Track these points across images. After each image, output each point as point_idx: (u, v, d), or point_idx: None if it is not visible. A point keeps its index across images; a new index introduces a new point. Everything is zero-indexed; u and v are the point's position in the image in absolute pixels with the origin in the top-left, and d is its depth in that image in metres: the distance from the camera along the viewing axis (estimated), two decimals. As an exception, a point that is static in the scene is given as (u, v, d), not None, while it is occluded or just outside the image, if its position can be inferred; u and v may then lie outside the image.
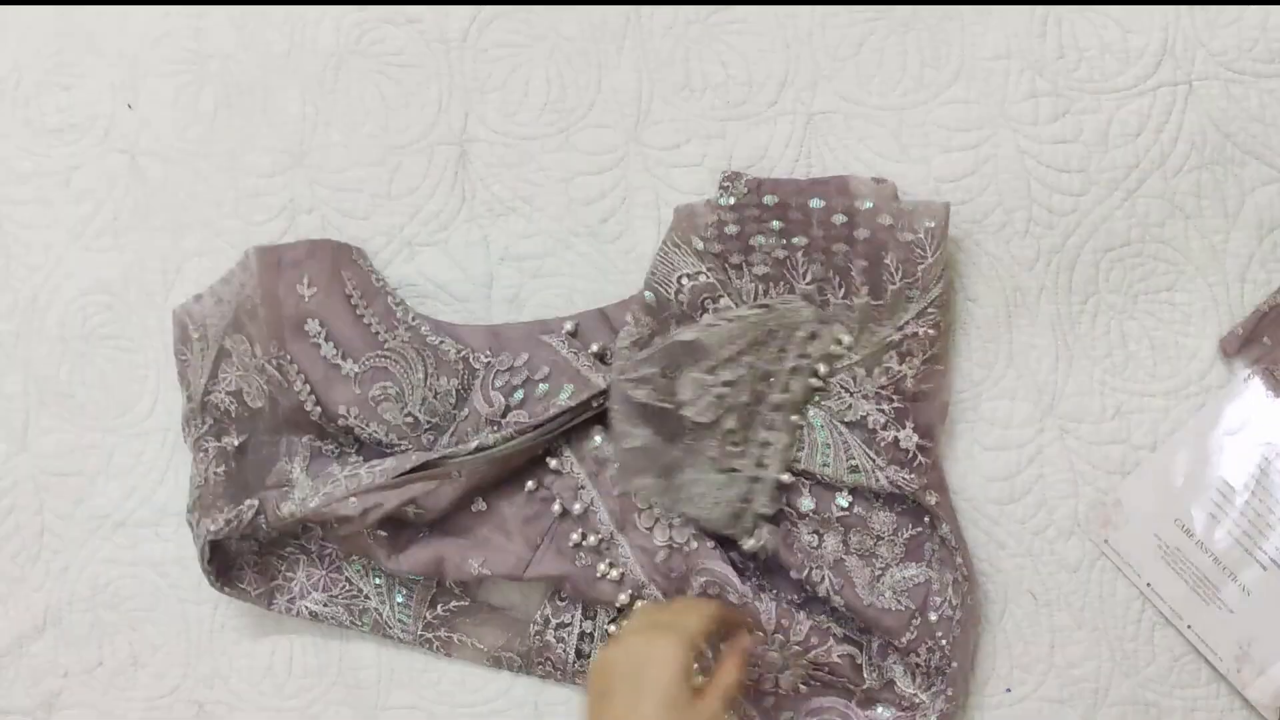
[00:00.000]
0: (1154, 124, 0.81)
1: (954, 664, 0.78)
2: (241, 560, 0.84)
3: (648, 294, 0.79)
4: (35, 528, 0.89)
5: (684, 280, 0.79)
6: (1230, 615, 0.80)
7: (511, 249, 0.86)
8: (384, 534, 0.80)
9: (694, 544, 0.79)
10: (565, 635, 0.83)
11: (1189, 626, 0.80)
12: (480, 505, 0.81)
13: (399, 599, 0.84)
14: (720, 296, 0.79)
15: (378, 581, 0.84)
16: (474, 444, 0.78)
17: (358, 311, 0.83)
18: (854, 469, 0.78)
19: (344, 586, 0.84)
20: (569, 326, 0.84)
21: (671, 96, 0.84)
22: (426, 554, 0.81)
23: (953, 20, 0.82)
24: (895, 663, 0.79)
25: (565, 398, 0.79)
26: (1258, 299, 0.81)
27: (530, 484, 0.82)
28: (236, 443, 0.83)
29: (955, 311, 0.82)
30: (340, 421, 0.82)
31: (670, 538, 0.80)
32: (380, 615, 0.84)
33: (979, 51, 0.82)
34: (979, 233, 0.82)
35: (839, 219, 0.77)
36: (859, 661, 0.79)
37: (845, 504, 0.79)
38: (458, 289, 0.86)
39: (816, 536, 0.79)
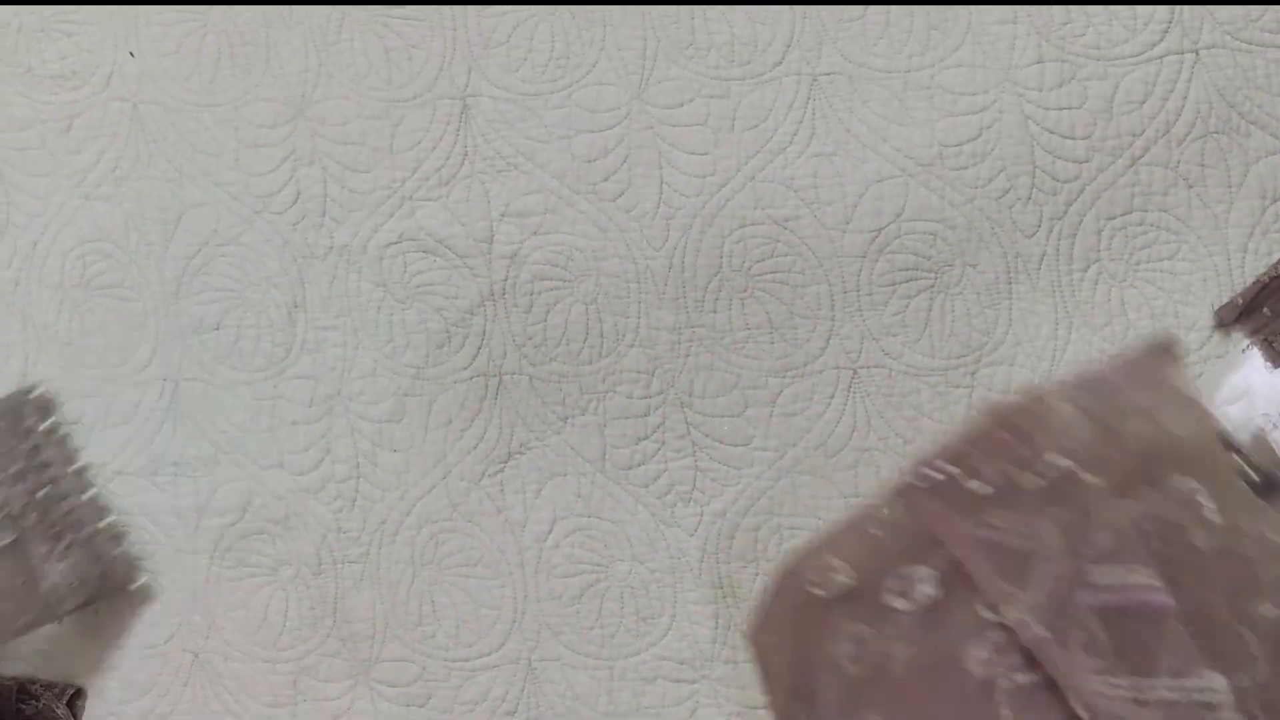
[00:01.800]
0: (1160, 92, 0.81)
1: None
2: None
3: None
4: (32, 475, 0.89)
5: None
6: (1222, 585, 0.80)
7: (512, 205, 0.86)
8: None
9: None
10: None
11: (1180, 595, 0.81)
12: None
13: None
14: None
15: None
16: None
17: None
18: None
19: None
20: None
21: (676, 55, 0.84)
22: None
23: (960, -17, 0.82)
24: None
25: None
26: (1259, 269, 0.81)
27: None
28: None
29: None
30: None
31: None
32: None
33: (985, 16, 0.82)
34: (981, 198, 0.82)
35: None
36: None
37: None
38: (458, 244, 0.86)
39: None
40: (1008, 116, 0.82)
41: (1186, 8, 0.81)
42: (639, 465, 0.85)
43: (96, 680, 0.89)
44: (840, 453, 0.83)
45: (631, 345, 0.85)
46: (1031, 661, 0.62)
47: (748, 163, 0.84)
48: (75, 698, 0.88)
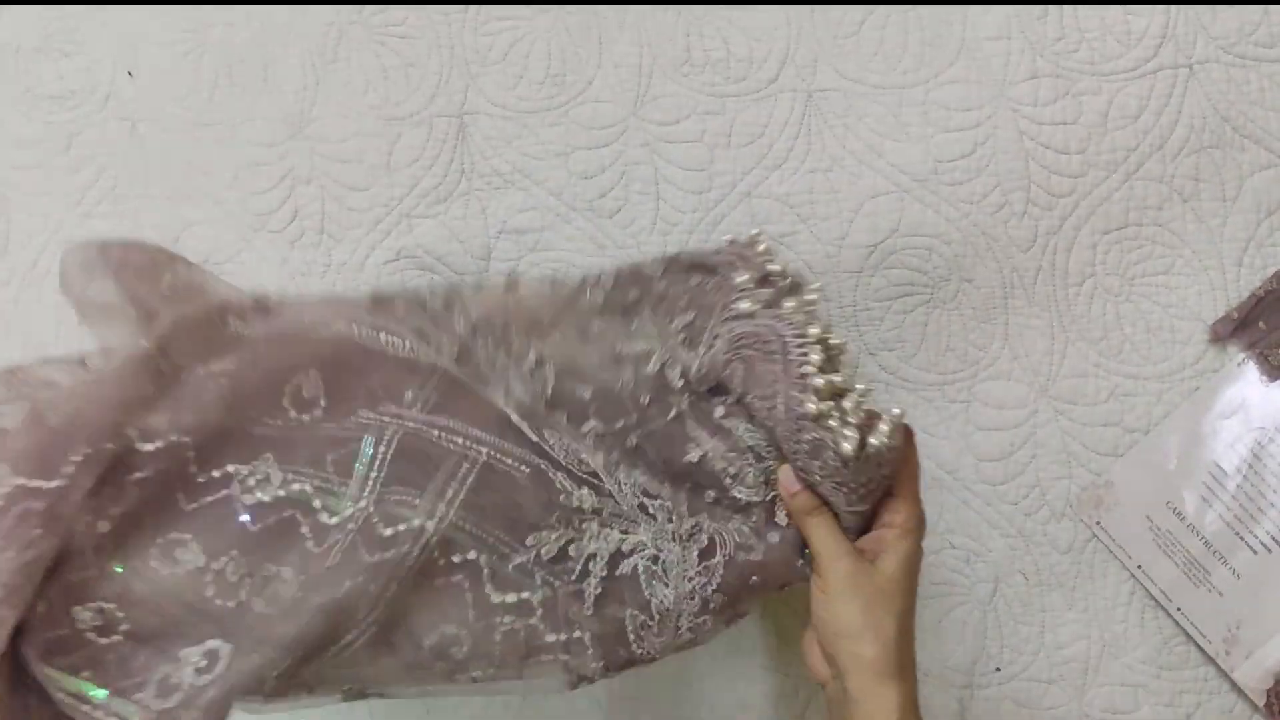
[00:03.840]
0: (1154, 107, 0.81)
1: None
2: None
3: None
4: (32, 493, 0.89)
5: None
6: (1220, 598, 0.80)
7: (510, 222, 0.86)
8: None
9: None
10: None
11: (1178, 609, 0.81)
12: None
13: None
14: None
15: None
16: None
17: None
18: None
19: None
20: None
21: (672, 72, 0.84)
22: None
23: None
24: None
25: None
26: (1254, 283, 0.81)
27: None
28: None
29: None
30: None
31: None
32: None
33: (980, 31, 0.82)
34: (976, 213, 0.82)
35: None
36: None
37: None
38: (455, 261, 0.86)
39: None
40: (1002, 132, 0.82)
41: (1180, 24, 0.81)
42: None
43: (96, 698, 0.89)
44: (838, 467, 0.84)
45: (629, 361, 0.85)
46: None
47: (743, 178, 0.84)
48: (75, 715, 0.88)
